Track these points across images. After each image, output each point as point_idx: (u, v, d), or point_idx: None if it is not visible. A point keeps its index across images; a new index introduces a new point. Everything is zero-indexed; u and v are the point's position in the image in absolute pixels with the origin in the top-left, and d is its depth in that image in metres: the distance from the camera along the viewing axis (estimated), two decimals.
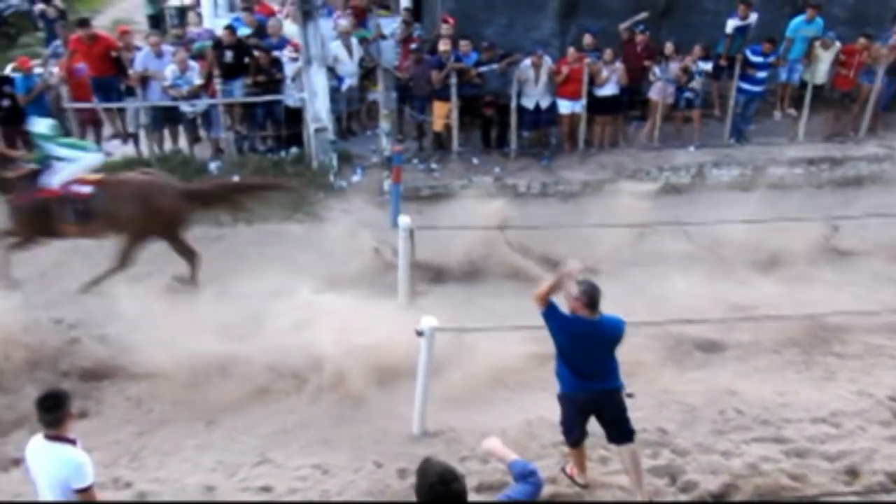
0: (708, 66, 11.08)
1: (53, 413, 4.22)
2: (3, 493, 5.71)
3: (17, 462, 5.91)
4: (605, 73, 10.60)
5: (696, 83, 10.96)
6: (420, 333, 5.77)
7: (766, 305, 7.87)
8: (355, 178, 10.46)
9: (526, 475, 3.76)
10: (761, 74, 11.05)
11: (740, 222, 8.90)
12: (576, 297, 4.96)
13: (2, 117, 10.02)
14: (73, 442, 4.31)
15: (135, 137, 10.77)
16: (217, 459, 5.98)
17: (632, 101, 11.22)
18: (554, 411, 6.22)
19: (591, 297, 4.92)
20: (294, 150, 10.73)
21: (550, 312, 5.02)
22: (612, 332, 5.05)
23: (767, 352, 7.23)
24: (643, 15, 11.04)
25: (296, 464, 5.93)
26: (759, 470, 5.65)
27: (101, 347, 7.23)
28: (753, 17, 11.24)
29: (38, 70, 10.34)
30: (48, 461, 4.21)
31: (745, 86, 11.05)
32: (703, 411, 6.34)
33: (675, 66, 10.79)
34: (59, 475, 4.19)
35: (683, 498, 5.56)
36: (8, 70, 10.43)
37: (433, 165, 10.65)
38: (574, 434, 5.36)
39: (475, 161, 10.75)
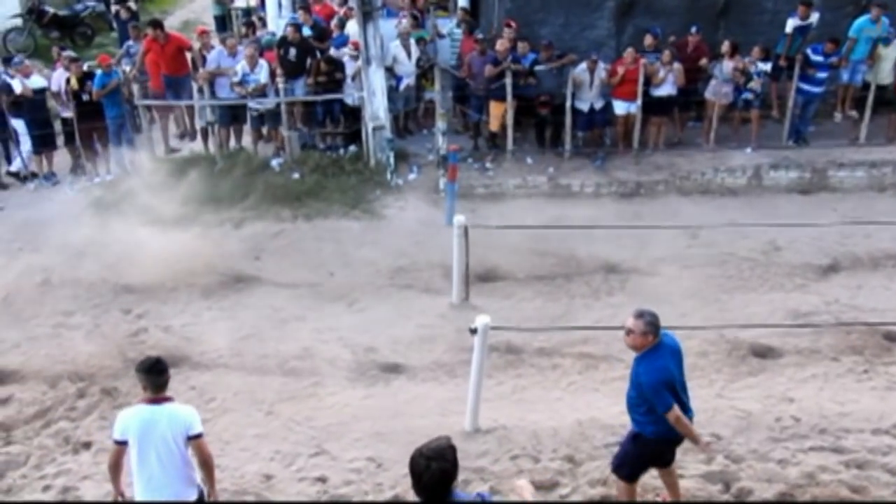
0: (767, 67, 10.87)
1: (163, 375, 4.55)
2: (74, 474, 5.96)
3: (88, 445, 6.21)
4: (661, 74, 10.49)
5: (756, 84, 10.76)
6: (473, 331, 5.82)
7: (826, 312, 7.77)
8: (411, 176, 10.55)
9: None
10: (822, 75, 10.77)
11: (799, 226, 8.76)
12: (643, 331, 4.74)
13: (82, 111, 10.42)
14: (172, 399, 4.63)
15: (203, 133, 11.06)
16: (275, 449, 6.13)
17: (687, 102, 11.09)
18: (606, 412, 6.27)
19: (656, 325, 4.78)
20: (352, 147, 10.92)
21: (658, 402, 4.71)
22: (676, 342, 4.95)
23: (826, 359, 7.06)
24: (672, 38, 11.03)
25: (350, 456, 6.03)
26: (817, 480, 5.55)
27: (167, 337, 7.50)
28: (815, 17, 10.96)
29: (113, 68, 10.73)
30: (162, 422, 4.48)
31: (805, 87, 10.77)
32: (758, 418, 6.23)
33: (730, 66, 10.61)
34: (178, 428, 4.50)
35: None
36: (85, 67, 10.85)
37: (488, 165, 10.69)
38: (637, 474, 5.23)
39: (529, 161, 10.74)
